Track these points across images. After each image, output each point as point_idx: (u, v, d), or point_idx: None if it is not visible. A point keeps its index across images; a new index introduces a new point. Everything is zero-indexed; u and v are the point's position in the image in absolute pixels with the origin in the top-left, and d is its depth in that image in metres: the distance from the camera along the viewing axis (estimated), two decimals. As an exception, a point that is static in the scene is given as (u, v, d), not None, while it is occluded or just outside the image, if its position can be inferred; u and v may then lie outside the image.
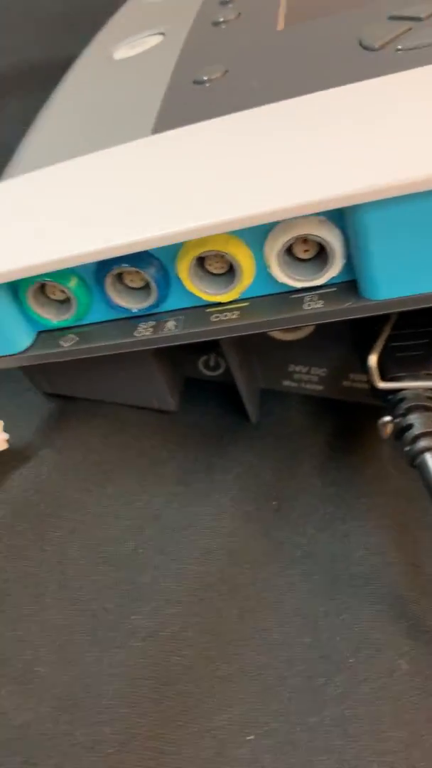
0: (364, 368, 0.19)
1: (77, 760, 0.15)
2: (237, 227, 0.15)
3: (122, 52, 0.26)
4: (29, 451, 0.21)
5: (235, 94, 0.19)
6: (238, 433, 0.22)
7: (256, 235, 0.16)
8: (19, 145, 0.23)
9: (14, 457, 0.21)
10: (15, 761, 0.15)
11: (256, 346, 0.22)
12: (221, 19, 0.24)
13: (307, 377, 0.23)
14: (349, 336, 0.21)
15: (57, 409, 0.23)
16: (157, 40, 0.26)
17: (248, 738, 0.15)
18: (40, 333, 0.19)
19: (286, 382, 0.23)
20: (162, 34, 0.26)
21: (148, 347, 0.18)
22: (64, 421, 0.22)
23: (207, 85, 0.20)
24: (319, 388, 0.23)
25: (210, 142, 0.17)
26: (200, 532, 0.19)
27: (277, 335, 0.21)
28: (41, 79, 0.39)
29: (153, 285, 0.17)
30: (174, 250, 0.17)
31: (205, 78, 0.20)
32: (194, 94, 0.20)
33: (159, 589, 0.18)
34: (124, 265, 0.17)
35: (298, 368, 0.23)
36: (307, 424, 0.22)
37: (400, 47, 0.18)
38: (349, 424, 0.22)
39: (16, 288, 0.18)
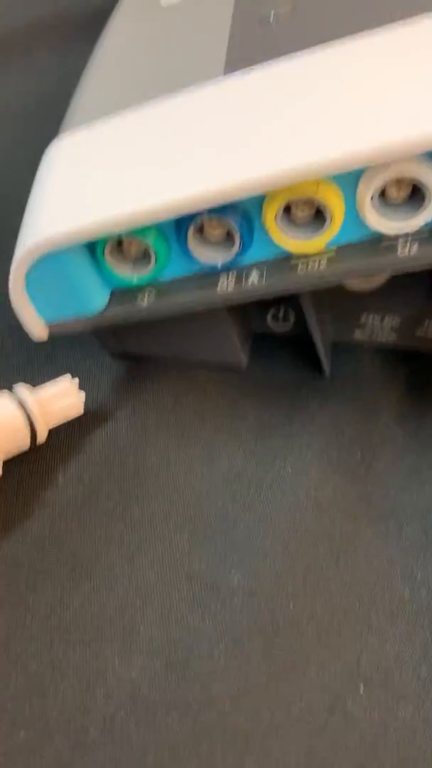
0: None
1: (194, 715, 0.15)
2: (338, 170, 0.14)
3: (169, -3, 0.25)
4: (105, 413, 0.21)
5: (307, 30, 0.18)
6: (312, 386, 0.22)
7: (349, 178, 0.15)
8: (76, 93, 0.22)
9: (91, 419, 0.21)
10: (131, 719, 0.15)
11: (329, 297, 0.21)
12: None
13: (380, 327, 0.22)
14: (427, 281, 0.20)
15: (127, 370, 0.22)
16: (206, -20, 0.24)
17: (360, 688, 0.15)
18: (113, 292, 0.19)
19: (358, 334, 0.22)
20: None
21: (231, 302, 0.18)
22: (136, 382, 0.22)
23: (274, 24, 0.19)
24: (392, 338, 0.22)
25: (289, 81, 0.16)
26: (286, 487, 0.19)
27: (351, 285, 0.21)
28: (77, 27, 0.38)
29: (237, 235, 0.17)
30: (259, 198, 0.16)
31: (271, 16, 0.19)
32: (263, 32, 0.19)
33: (251, 546, 0.18)
34: (210, 214, 0.16)
35: (370, 318, 0.22)
36: (382, 375, 0.22)
37: None
38: (426, 373, 0.22)
39: (92, 246, 0.17)
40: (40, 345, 0.21)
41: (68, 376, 0.20)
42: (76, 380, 0.20)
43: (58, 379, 0.20)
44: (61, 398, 0.19)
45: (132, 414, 0.21)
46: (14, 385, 0.19)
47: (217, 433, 0.21)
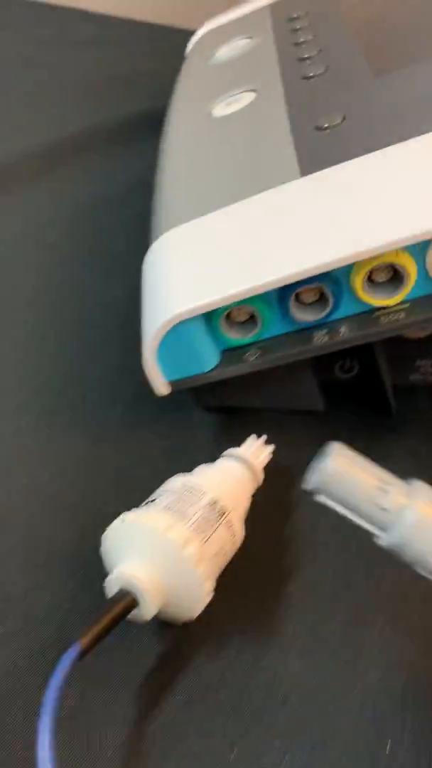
0: None
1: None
2: (413, 242, 0.19)
3: (220, 110, 0.30)
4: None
5: (361, 137, 0.22)
6: (380, 422, 0.25)
7: (422, 246, 0.20)
8: (158, 200, 0.27)
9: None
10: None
11: (389, 346, 0.25)
12: (311, 74, 0.28)
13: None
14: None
15: (219, 420, 0.26)
16: (251, 96, 0.29)
17: None
18: (224, 352, 0.22)
19: (413, 376, 0.26)
20: (254, 91, 0.30)
21: (326, 351, 0.21)
22: (231, 428, 0.25)
23: (328, 131, 0.24)
24: (442, 378, 0.26)
25: (361, 176, 0.21)
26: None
27: (409, 333, 0.25)
28: (111, 140, 0.43)
29: (330, 297, 0.21)
30: (347, 267, 0.20)
31: (326, 125, 0.24)
32: (322, 139, 0.23)
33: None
34: (311, 284, 0.20)
35: (423, 362, 0.26)
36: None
37: None
38: None
39: (210, 315, 0.21)
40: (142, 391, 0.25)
41: (254, 436, 0.23)
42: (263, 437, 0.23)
43: (249, 439, 0.23)
44: (262, 451, 0.23)
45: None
46: (228, 451, 0.23)
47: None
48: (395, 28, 0.31)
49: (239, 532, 0.20)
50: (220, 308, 0.21)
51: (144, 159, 0.41)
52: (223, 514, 0.20)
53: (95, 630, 0.17)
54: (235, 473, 0.22)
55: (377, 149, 0.21)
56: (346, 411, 0.26)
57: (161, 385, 0.22)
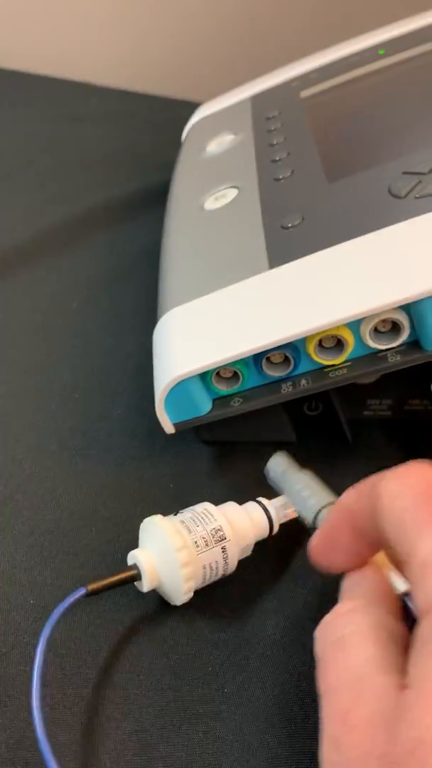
0: (423, 393, 0.29)
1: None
2: (350, 320, 0.26)
3: (210, 204, 0.38)
4: (218, 480, 0.32)
5: (318, 236, 0.30)
6: (340, 449, 0.33)
7: (356, 322, 0.27)
8: (163, 280, 0.34)
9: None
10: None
11: (344, 389, 0.32)
12: (280, 177, 0.36)
13: (379, 407, 0.33)
14: (404, 374, 0.31)
15: (216, 450, 0.33)
16: (234, 193, 0.37)
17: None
18: (215, 400, 0.30)
19: (365, 412, 0.34)
20: (236, 188, 0.37)
21: (290, 398, 0.29)
22: (225, 457, 0.33)
23: (292, 230, 0.31)
24: (388, 413, 0.33)
25: (311, 269, 0.28)
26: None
27: (359, 380, 0.32)
28: (119, 214, 0.51)
29: (292, 359, 0.28)
30: (304, 337, 0.28)
31: (289, 225, 0.31)
32: (286, 237, 0.31)
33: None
34: (277, 350, 0.28)
35: (374, 401, 0.33)
36: (386, 438, 0.33)
37: (417, 195, 0.29)
38: (417, 433, 0.33)
39: (204, 374, 0.29)
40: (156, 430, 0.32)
41: (283, 497, 0.28)
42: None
43: (280, 497, 0.28)
44: (285, 508, 0.28)
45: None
46: (260, 498, 0.28)
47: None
48: (351, 133, 0.38)
49: (232, 560, 0.26)
50: (210, 369, 0.28)
51: (148, 230, 0.49)
52: (222, 540, 0.26)
53: (102, 582, 0.25)
54: (252, 515, 0.27)
55: (326, 248, 0.29)
56: (314, 440, 0.33)
57: (169, 427, 0.30)
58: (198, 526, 0.26)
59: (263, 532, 0.28)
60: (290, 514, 0.28)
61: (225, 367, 0.28)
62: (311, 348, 0.28)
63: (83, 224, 0.50)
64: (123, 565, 0.26)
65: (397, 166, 0.32)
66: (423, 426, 0.33)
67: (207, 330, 0.29)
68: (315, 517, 0.26)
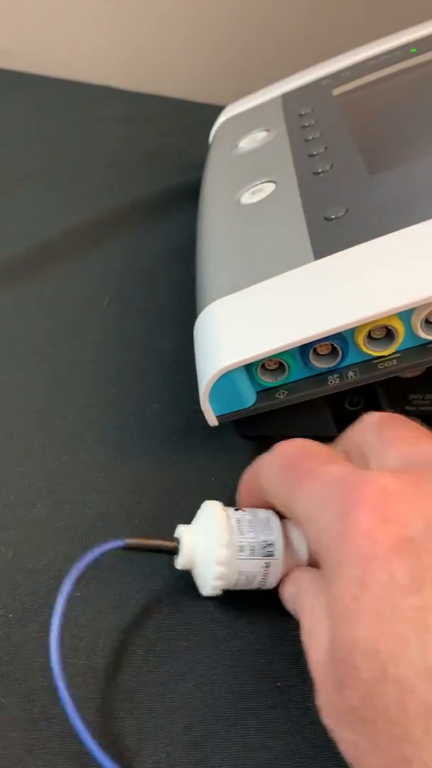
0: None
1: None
2: (402, 310, 0.25)
3: (247, 198, 0.37)
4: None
5: (363, 227, 0.29)
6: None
7: (408, 312, 0.26)
8: (201, 274, 0.34)
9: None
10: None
11: (387, 383, 0.32)
12: (319, 170, 0.35)
13: (422, 401, 0.33)
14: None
15: (257, 444, 0.33)
16: (271, 187, 0.37)
17: None
18: (259, 392, 0.29)
19: (407, 407, 0.33)
20: (274, 182, 0.37)
21: (337, 390, 0.28)
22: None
23: (335, 221, 0.31)
24: (431, 408, 0.33)
25: (359, 260, 0.28)
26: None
27: (403, 374, 0.32)
28: (148, 213, 0.51)
29: (340, 350, 0.27)
30: (353, 327, 0.27)
31: (333, 216, 0.31)
32: (330, 228, 0.31)
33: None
34: (323, 341, 0.27)
35: (415, 396, 0.33)
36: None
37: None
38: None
39: (249, 365, 0.28)
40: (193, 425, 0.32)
41: None
42: None
43: None
44: None
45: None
46: None
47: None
48: (388, 128, 0.38)
49: (273, 578, 0.25)
50: (257, 360, 0.28)
51: (176, 228, 0.49)
52: (269, 556, 0.25)
53: (141, 540, 0.25)
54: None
55: (372, 238, 0.28)
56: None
57: (213, 419, 0.29)
58: (251, 531, 0.25)
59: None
60: None
61: (271, 358, 0.28)
62: (360, 339, 0.27)
63: (111, 223, 0.50)
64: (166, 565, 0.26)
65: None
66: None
67: (252, 321, 0.28)
68: None
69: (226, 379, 0.28)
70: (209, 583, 0.25)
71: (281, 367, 0.28)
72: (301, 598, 0.23)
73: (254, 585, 0.25)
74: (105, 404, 0.35)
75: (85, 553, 0.23)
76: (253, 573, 0.25)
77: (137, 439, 0.33)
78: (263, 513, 0.26)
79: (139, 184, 0.55)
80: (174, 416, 0.34)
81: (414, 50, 0.46)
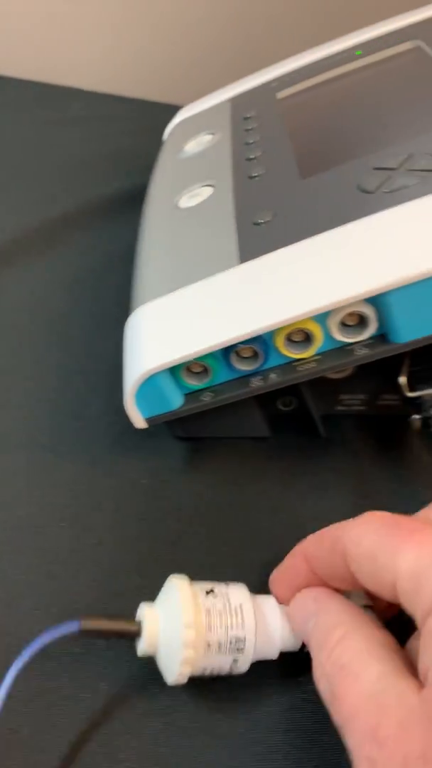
0: (395, 388, 0.29)
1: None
2: (316, 314, 0.26)
3: (185, 201, 0.38)
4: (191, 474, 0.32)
5: (287, 231, 0.30)
6: (314, 444, 0.33)
7: (323, 315, 0.27)
8: (137, 276, 0.34)
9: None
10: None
11: (317, 384, 0.32)
12: (254, 174, 0.36)
13: (353, 401, 0.33)
14: (376, 369, 0.31)
15: (191, 446, 0.33)
16: (209, 191, 0.37)
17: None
18: (186, 395, 0.30)
19: (339, 407, 0.34)
20: (211, 186, 0.37)
21: (260, 392, 0.29)
22: (199, 452, 0.33)
23: (263, 225, 0.31)
24: (362, 408, 0.33)
25: (278, 265, 0.28)
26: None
27: (331, 375, 0.32)
28: (99, 215, 0.51)
29: (261, 353, 0.28)
30: (273, 331, 0.28)
31: (261, 221, 0.32)
32: (257, 233, 0.31)
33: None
34: (243, 344, 0.28)
35: (347, 396, 0.33)
36: (359, 434, 0.33)
37: (386, 190, 0.29)
38: (388, 428, 0.33)
39: (174, 368, 0.29)
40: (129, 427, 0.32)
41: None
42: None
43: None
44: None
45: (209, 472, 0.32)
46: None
47: (266, 478, 0.31)
48: (326, 131, 0.39)
49: (242, 667, 0.23)
50: (180, 363, 0.28)
51: (129, 230, 0.49)
52: (239, 651, 0.23)
53: (99, 622, 0.22)
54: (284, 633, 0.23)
55: (294, 243, 0.29)
56: (288, 436, 0.33)
57: (140, 421, 0.30)
58: (221, 627, 0.23)
59: (293, 645, 0.24)
60: None
61: (194, 361, 0.28)
62: (280, 342, 0.28)
63: (63, 226, 0.50)
64: (93, 563, 0.26)
65: (368, 161, 0.32)
66: (396, 421, 0.33)
67: (175, 325, 0.29)
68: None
69: (151, 382, 0.28)
70: (176, 670, 0.22)
71: (206, 370, 0.29)
72: (335, 635, 0.21)
73: (222, 674, 0.24)
74: (43, 408, 0.35)
75: (34, 639, 0.21)
76: (220, 667, 0.23)
77: (72, 441, 0.34)
78: (237, 597, 0.24)
79: (93, 187, 0.55)
80: (112, 418, 0.35)
81: (359, 53, 0.47)
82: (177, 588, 0.23)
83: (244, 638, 0.23)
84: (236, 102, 0.48)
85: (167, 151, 0.47)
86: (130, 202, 0.53)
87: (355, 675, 0.19)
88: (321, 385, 0.32)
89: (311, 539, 0.24)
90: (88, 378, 0.37)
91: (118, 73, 0.82)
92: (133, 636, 0.23)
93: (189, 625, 0.22)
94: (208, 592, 0.23)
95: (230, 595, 0.24)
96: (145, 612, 0.23)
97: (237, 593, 0.24)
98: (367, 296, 0.25)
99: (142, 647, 0.23)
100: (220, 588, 0.24)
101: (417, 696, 0.18)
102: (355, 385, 0.33)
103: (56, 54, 0.83)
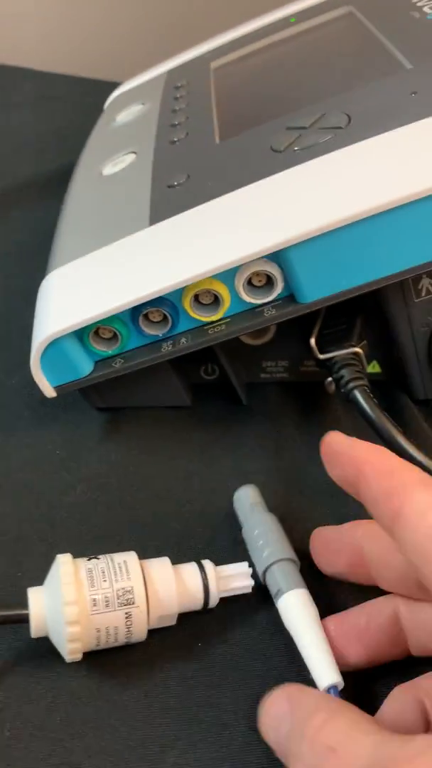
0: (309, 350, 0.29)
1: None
2: (217, 272, 0.25)
3: (108, 169, 0.37)
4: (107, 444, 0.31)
5: (198, 192, 0.29)
6: (238, 412, 0.32)
7: (229, 275, 0.26)
8: (55, 240, 0.33)
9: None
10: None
11: (238, 351, 0.32)
12: (175, 139, 0.35)
13: (276, 368, 0.33)
14: (297, 334, 0.31)
15: (110, 416, 0.32)
16: (131, 158, 0.36)
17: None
18: (96, 362, 0.29)
19: (262, 375, 0.33)
20: (134, 153, 0.37)
21: (171, 357, 0.28)
22: (118, 422, 0.32)
23: (177, 188, 0.31)
24: (285, 375, 0.33)
25: (185, 224, 0.28)
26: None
27: (251, 341, 0.31)
28: (39, 189, 0.50)
29: (170, 317, 0.27)
30: (179, 293, 0.27)
31: (175, 183, 0.31)
32: (169, 196, 0.30)
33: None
34: (151, 307, 0.27)
35: (269, 363, 0.33)
36: (283, 399, 0.32)
37: (296, 148, 0.29)
38: (311, 393, 0.32)
39: (80, 333, 0.28)
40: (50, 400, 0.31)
41: (246, 563, 0.24)
42: (250, 569, 0.24)
43: (238, 564, 0.24)
44: (236, 579, 0.24)
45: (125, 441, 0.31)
46: (203, 561, 0.24)
47: (180, 448, 0.31)
48: (250, 96, 0.38)
49: (139, 628, 0.22)
50: (86, 327, 0.27)
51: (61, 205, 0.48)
52: (128, 604, 0.22)
53: None
54: (185, 581, 0.23)
55: (202, 203, 0.28)
56: (211, 404, 0.33)
57: (48, 390, 0.29)
58: (105, 581, 0.22)
59: (193, 603, 0.23)
60: (242, 588, 0.24)
61: (102, 326, 0.28)
62: (187, 304, 0.27)
63: (9, 199, 0.49)
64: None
65: (282, 122, 0.31)
66: (320, 386, 0.32)
67: (82, 288, 0.28)
68: (264, 572, 0.24)
69: (56, 347, 0.27)
70: (65, 648, 0.22)
71: (115, 336, 0.28)
72: (317, 719, 0.18)
73: (120, 640, 0.23)
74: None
75: None
76: (114, 626, 0.22)
77: (-8, 413, 0.33)
78: (121, 556, 0.23)
79: (34, 166, 0.54)
80: (32, 390, 0.34)
81: (293, 20, 0.46)
82: (59, 567, 0.23)
83: (132, 589, 0.22)
84: (172, 74, 0.47)
85: (101, 122, 0.46)
86: (68, 177, 0.52)
87: (347, 756, 0.17)
88: (243, 353, 0.32)
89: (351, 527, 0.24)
90: (12, 351, 0.36)
91: (65, 53, 0.80)
92: (25, 621, 0.22)
93: (69, 603, 0.21)
94: (90, 558, 0.23)
95: (114, 556, 0.23)
96: (29, 596, 0.23)
97: (121, 555, 0.23)
98: (266, 253, 0.25)
99: (33, 630, 0.22)
100: (104, 556, 0.23)
101: (425, 740, 0.16)
102: (276, 352, 0.32)
103: (6, 33, 0.81)
